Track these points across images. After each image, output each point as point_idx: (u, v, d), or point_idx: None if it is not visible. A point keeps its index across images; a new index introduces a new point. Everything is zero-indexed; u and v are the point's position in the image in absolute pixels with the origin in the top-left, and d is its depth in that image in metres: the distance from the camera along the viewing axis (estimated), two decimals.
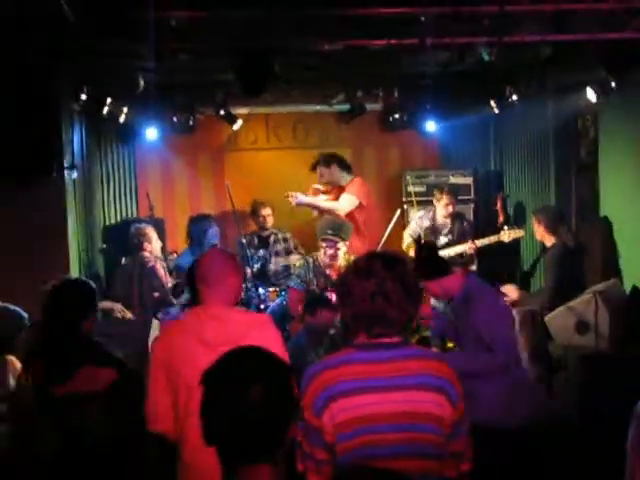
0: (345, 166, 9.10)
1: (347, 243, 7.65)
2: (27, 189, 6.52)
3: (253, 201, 10.12)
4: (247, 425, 2.28)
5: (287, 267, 9.67)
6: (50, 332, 4.63)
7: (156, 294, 8.23)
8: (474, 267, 9.40)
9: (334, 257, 7.57)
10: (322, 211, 8.87)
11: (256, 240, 9.88)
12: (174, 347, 3.94)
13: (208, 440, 2.34)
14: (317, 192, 9.21)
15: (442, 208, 9.56)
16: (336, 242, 7.55)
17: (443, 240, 9.45)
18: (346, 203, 8.79)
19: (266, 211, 10.01)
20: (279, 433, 2.34)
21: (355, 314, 3.19)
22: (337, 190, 9.10)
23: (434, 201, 9.74)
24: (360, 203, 8.79)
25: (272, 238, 10.00)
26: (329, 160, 9.09)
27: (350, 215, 8.72)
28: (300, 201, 8.96)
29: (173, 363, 3.92)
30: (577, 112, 9.24)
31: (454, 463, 3.18)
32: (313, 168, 9.21)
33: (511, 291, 8.26)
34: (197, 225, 9.59)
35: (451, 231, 9.57)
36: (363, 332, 3.20)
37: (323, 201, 8.98)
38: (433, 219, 9.64)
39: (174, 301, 8.20)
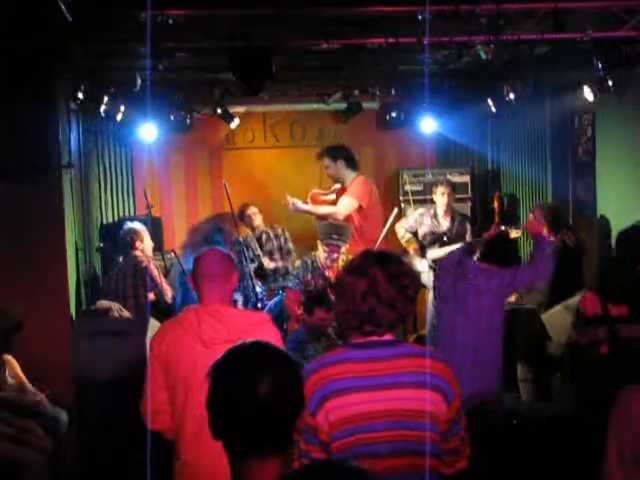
0: (351, 163, 9.06)
1: (347, 245, 7.76)
2: (24, 187, 6.52)
3: (239, 206, 10.04)
4: (255, 418, 2.28)
5: (278, 269, 9.69)
6: None
7: (151, 295, 8.19)
8: None
9: (337, 260, 7.70)
10: (320, 217, 8.86)
11: (251, 241, 9.85)
12: (172, 345, 3.95)
13: (215, 434, 2.34)
14: (316, 198, 9.16)
15: (440, 197, 9.50)
16: (340, 247, 7.67)
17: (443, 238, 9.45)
18: (344, 208, 8.77)
19: (251, 210, 9.92)
20: (286, 426, 2.34)
21: (347, 312, 3.21)
22: (338, 192, 9.05)
23: (433, 196, 9.70)
24: (360, 205, 8.76)
25: (264, 237, 9.98)
26: (336, 155, 9.03)
27: (348, 217, 8.73)
28: (297, 208, 8.97)
29: (171, 361, 3.93)
30: (574, 111, 9.25)
31: (450, 460, 3.19)
32: (320, 156, 9.15)
33: None
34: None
35: (450, 230, 9.56)
36: (355, 330, 3.21)
37: (321, 207, 8.93)
38: (434, 217, 9.62)
39: (168, 301, 8.20)
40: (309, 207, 9.02)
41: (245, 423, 2.30)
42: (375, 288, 3.14)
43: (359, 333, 3.21)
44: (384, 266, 3.19)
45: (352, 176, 9.02)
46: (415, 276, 3.45)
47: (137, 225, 8.53)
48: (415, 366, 3.16)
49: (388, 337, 3.21)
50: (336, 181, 9.12)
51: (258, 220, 9.96)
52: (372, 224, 8.78)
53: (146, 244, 8.39)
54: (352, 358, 3.17)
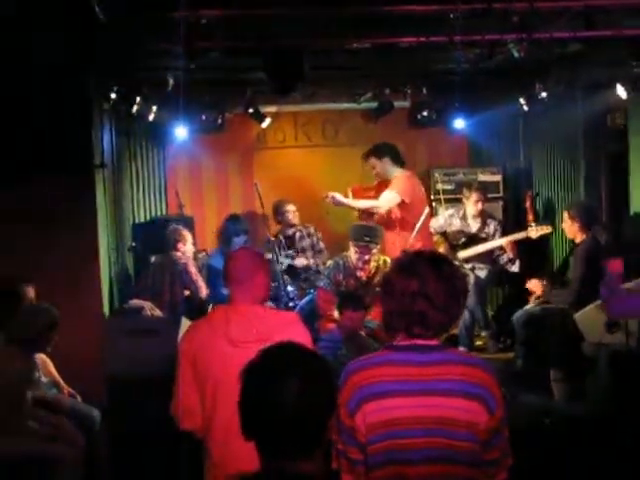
0: (398, 160, 8.86)
1: (379, 247, 7.77)
2: (58, 188, 6.56)
3: (275, 201, 10.09)
4: (286, 420, 2.29)
5: (309, 266, 9.69)
6: None
7: (186, 292, 8.30)
8: (515, 268, 9.34)
9: (368, 262, 7.73)
10: (361, 211, 8.75)
11: (283, 240, 9.86)
12: (201, 344, 3.97)
13: (246, 434, 2.35)
14: (358, 192, 9.05)
15: (472, 205, 9.53)
16: (371, 248, 7.70)
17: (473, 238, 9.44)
18: (386, 202, 8.62)
19: (290, 207, 9.98)
20: (317, 430, 2.34)
21: (395, 312, 3.13)
22: (380, 186, 8.93)
23: (463, 199, 9.71)
24: (402, 201, 8.57)
25: (297, 235, 10.00)
26: (382, 153, 8.85)
27: (388, 212, 8.60)
28: (337, 202, 8.77)
29: (200, 360, 3.94)
30: (607, 108, 9.19)
31: (491, 472, 3.10)
32: (366, 157, 8.98)
33: (536, 286, 8.22)
34: (230, 226, 9.61)
35: (480, 230, 9.54)
36: (402, 331, 3.14)
37: (361, 201, 8.79)
38: (463, 218, 9.61)
39: (203, 297, 8.31)
40: (349, 201, 8.86)
41: (276, 425, 2.31)
42: (426, 289, 3.05)
43: (405, 334, 3.13)
44: (436, 267, 3.10)
45: (398, 172, 8.82)
46: (466, 280, 3.36)
47: (182, 228, 8.73)
48: (459, 374, 3.07)
49: (434, 342, 3.13)
50: (384, 179, 8.95)
51: (295, 219, 9.98)
52: (416, 219, 8.61)
53: (187, 247, 8.55)
54: (395, 361, 3.11)
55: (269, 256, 8.79)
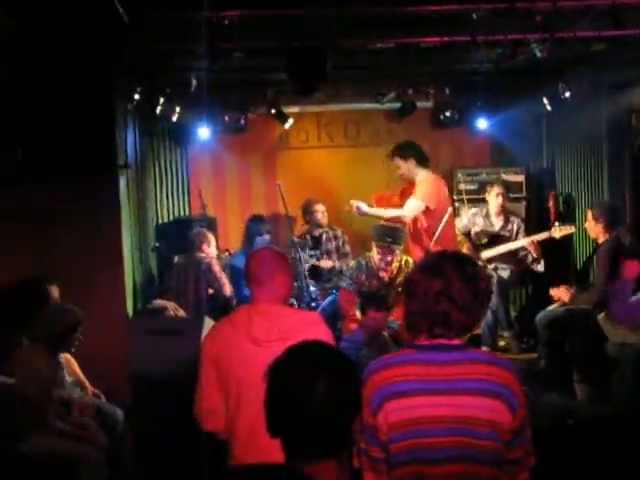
0: (423, 161, 8.59)
1: (402, 247, 7.76)
2: (81, 188, 6.59)
3: (305, 200, 10.12)
4: (309, 420, 2.29)
5: (333, 268, 9.67)
6: None
7: (210, 290, 8.35)
8: (540, 267, 9.29)
9: (390, 262, 7.75)
10: (387, 220, 8.62)
11: (309, 241, 9.86)
12: (224, 344, 3.98)
13: (272, 431, 2.36)
14: (382, 201, 8.93)
15: (494, 198, 9.47)
16: (394, 250, 7.70)
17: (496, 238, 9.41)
18: (411, 210, 8.40)
19: (319, 207, 9.99)
20: (342, 429, 2.35)
21: (418, 313, 3.12)
22: (403, 192, 8.82)
23: (486, 196, 9.68)
24: (427, 207, 8.35)
25: (324, 237, 9.99)
26: (407, 153, 8.57)
27: (414, 222, 8.50)
28: (363, 212, 8.52)
29: (223, 360, 3.95)
30: (631, 108, 9.14)
31: (513, 471, 3.10)
32: (391, 157, 8.72)
33: (563, 294, 8.16)
34: (253, 226, 9.63)
35: (503, 229, 9.51)
36: (424, 331, 3.13)
37: (387, 211, 8.62)
38: (487, 216, 9.58)
39: (226, 295, 8.38)
40: (374, 210, 8.60)
41: (301, 424, 2.32)
42: (449, 289, 3.05)
43: (428, 335, 3.13)
44: (460, 267, 3.10)
45: (422, 174, 8.54)
46: (490, 281, 3.34)
47: (206, 231, 8.93)
48: (481, 373, 3.07)
49: (456, 341, 3.13)
50: (409, 181, 8.73)
51: (324, 220, 9.98)
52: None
53: (211, 249, 8.64)
54: (417, 360, 3.11)
55: (293, 255, 8.79)
